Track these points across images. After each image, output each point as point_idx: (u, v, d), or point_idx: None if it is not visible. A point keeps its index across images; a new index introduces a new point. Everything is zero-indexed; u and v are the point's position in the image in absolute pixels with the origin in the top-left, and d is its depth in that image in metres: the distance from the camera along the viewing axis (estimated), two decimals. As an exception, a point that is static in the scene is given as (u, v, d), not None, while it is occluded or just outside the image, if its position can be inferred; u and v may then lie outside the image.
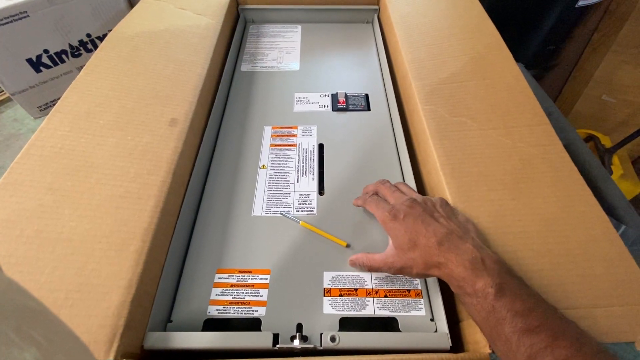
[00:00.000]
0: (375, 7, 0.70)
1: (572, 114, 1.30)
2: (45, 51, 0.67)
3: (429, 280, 0.37)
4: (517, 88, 0.45)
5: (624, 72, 1.14)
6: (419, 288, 0.37)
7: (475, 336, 0.31)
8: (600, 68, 1.16)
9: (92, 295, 0.30)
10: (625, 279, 0.31)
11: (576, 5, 0.90)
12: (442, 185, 0.38)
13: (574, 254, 0.32)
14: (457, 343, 0.34)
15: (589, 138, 1.18)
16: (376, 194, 0.40)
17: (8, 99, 1.52)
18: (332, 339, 0.32)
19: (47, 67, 0.68)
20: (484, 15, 0.56)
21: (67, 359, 0.14)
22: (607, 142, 1.16)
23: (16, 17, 0.60)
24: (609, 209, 0.55)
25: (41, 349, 0.12)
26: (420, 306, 0.36)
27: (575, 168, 0.37)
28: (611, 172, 1.07)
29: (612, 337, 0.28)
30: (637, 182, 1.09)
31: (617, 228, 0.46)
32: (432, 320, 0.35)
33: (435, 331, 0.34)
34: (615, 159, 1.11)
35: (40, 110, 0.72)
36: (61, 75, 0.71)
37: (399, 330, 0.34)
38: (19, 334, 0.12)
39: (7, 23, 0.59)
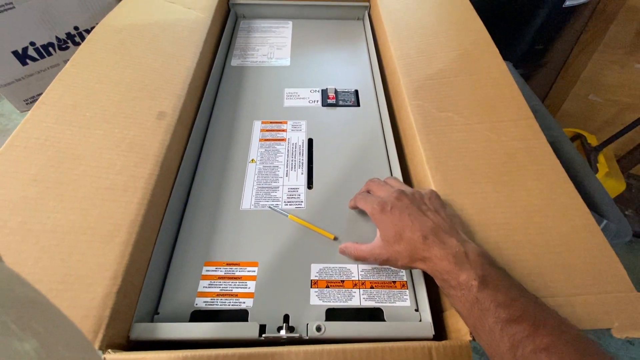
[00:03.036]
0: (366, 4, 0.71)
1: (559, 113, 1.33)
2: (32, 43, 0.66)
3: (414, 271, 0.38)
4: (503, 83, 0.46)
5: (610, 72, 1.17)
6: (404, 279, 0.38)
7: (457, 325, 0.32)
8: (587, 68, 1.19)
9: (77, 287, 0.30)
10: (603, 269, 0.32)
11: (563, 5, 0.92)
12: (428, 178, 0.39)
13: (554, 245, 0.33)
14: (440, 332, 0.35)
15: (576, 137, 1.20)
16: (367, 192, 0.41)
17: (-6, 94, 1.49)
18: (318, 328, 0.32)
19: (34, 59, 0.67)
20: (471, 12, 0.57)
21: (67, 350, 0.14)
22: (593, 140, 1.18)
23: (1, 9, 0.59)
24: (592, 205, 0.57)
25: (41, 340, 0.12)
26: (405, 297, 0.37)
27: (558, 162, 0.38)
28: (597, 170, 1.10)
29: (589, 323, 0.29)
30: (622, 180, 1.12)
31: (599, 222, 0.47)
32: (416, 310, 0.36)
33: (420, 321, 0.35)
34: (601, 157, 1.13)
35: (27, 104, 0.71)
36: (48, 68, 0.70)
37: (384, 321, 0.35)
38: (19, 325, 0.12)
39: (-8, 14, 0.58)
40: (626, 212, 1.25)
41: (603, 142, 1.10)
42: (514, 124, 0.41)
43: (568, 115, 1.30)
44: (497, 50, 0.50)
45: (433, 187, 0.38)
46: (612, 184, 1.10)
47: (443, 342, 0.29)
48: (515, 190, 0.36)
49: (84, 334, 0.27)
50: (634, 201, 1.25)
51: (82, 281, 0.30)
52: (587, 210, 0.35)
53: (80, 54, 0.47)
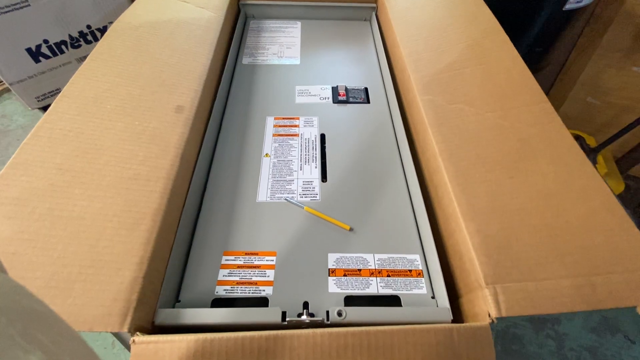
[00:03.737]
0: (373, 5, 0.72)
1: (558, 115, 1.35)
2: (45, 41, 0.66)
3: (430, 260, 0.39)
4: (515, 70, 0.47)
5: (607, 75, 1.19)
6: (420, 268, 0.39)
7: (473, 310, 0.33)
8: (585, 71, 1.21)
9: (105, 271, 0.30)
10: (626, 247, 0.32)
11: (563, 9, 0.94)
12: (440, 170, 0.40)
13: (573, 226, 0.33)
14: (457, 318, 0.35)
15: (575, 138, 1.22)
16: None
17: (-3, 94, 1.49)
18: (339, 313, 0.33)
19: (47, 57, 0.68)
20: (480, 3, 0.59)
21: None
22: (592, 142, 1.21)
23: (17, 6, 0.59)
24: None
25: (47, 352, 0.12)
26: (421, 285, 0.38)
27: (575, 143, 0.38)
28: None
29: (611, 302, 0.29)
30: (621, 181, 1.14)
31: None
32: (433, 297, 0.37)
33: (437, 307, 0.36)
34: (600, 159, 1.15)
35: (38, 101, 0.72)
36: (60, 65, 0.70)
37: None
38: (25, 337, 0.12)
39: (8, 12, 0.59)
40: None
41: (602, 144, 1.12)
42: (527, 109, 0.42)
43: (567, 117, 1.32)
44: (507, 38, 0.51)
45: (446, 178, 0.38)
46: (611, 184, 1.12)
47: (464, 324, 0.30)
48: (530, 176, 0.37)
49: (114, 316, 0.28)
50: (633, 201, 1.27)
51: (110, 266, 0.31)
52: (608, 190, 0.35)
53: (100, 49, 0.48)
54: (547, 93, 1.37)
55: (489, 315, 0.30)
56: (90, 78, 0.44)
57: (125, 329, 0.28)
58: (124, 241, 0.32)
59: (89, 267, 0.30)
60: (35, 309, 0.14)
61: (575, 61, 1.22)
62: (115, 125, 0.40)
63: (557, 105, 1.33)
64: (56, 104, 0.41)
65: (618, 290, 0.30)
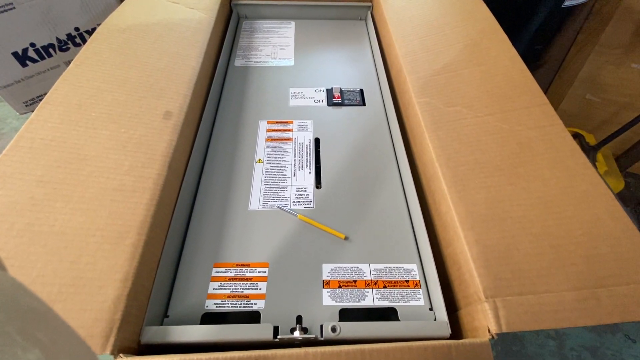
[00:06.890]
0: (369, 4, 0.71)
1: (558, 112, 1.33)
2: (32, 45, 0.65)
3: (427, 270, 0.37)
4: (514, 70, 0.45)
5: (607, 72, 1.18)
6: (417, 278, 0.37)
7: (473, 323, 0.32)
8: (584, 68, 1.20)
9: (87, 289, 0.29)
10: (631, 256, 0.31)
11: (562, 6, 0.92)
12: (438, 175, 0.38)
13: (576, 235, 0.32)
14: (455, 331, 0.34)
15: (574, 136, 1.21)
16: None
17: (-11, 98, 1.46)
18: (333, 329, 0.32)
19: (34, 61, 0.66)
20: (477, 0, 0.57)
21: None
22: (591, 139, 1.19)
23: (1, 9, 0.58)
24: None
25: (45, 351, 0.12)
26: (419, 296, 0.36)
27: (577, 147, 0.37)
28: (596, 169, 1.11)
29: (617, 316, 0.28)
30: (621, 178, 1.12)
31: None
32: (430, 309, 0.35)
33: (435, 320, 0.34)
34: (600, 156, 1.14)
35: (26, 106, 0.70)
36: (48, 69, 0.69)
37: (398, 320, 0.34)
38: (23, 335, 0.12)
39: (-8, 15, 0.57)
40: (625, 210, 1.26)
41: (601, 141, 1.11)
42: (527, 111, 0.40)
43: (566, 114, 1.31)
44: (506, 37, 0.49)
45: (444, 184, 0.37)
46: (611, 182, 1.11)
47: (462, 340, 0.29)
48: (531, 181, 0.35)
49: (96, 338, 0.27)
50: (633, 199, 1.26)
51: (92, 284, 0.29)
52: (612, 195, 0.33)
53: (85, 54, 0.46)
54: (545, 90, 1.35)
55: (489, 331, 0.29)
56: (74, 84, 0.43)
57: (107, 352, 0.27)
58: (107, 257, 0.31)
59: (70, 286, 0.29)
60: (34, 307, 0.13)
61: (574, 58, 1.21)
62: (100, 134, 0.39)
63: (556, 102, 1.32)
64: (38, 112, 0.39)
65: (624, 304, 0.28)
